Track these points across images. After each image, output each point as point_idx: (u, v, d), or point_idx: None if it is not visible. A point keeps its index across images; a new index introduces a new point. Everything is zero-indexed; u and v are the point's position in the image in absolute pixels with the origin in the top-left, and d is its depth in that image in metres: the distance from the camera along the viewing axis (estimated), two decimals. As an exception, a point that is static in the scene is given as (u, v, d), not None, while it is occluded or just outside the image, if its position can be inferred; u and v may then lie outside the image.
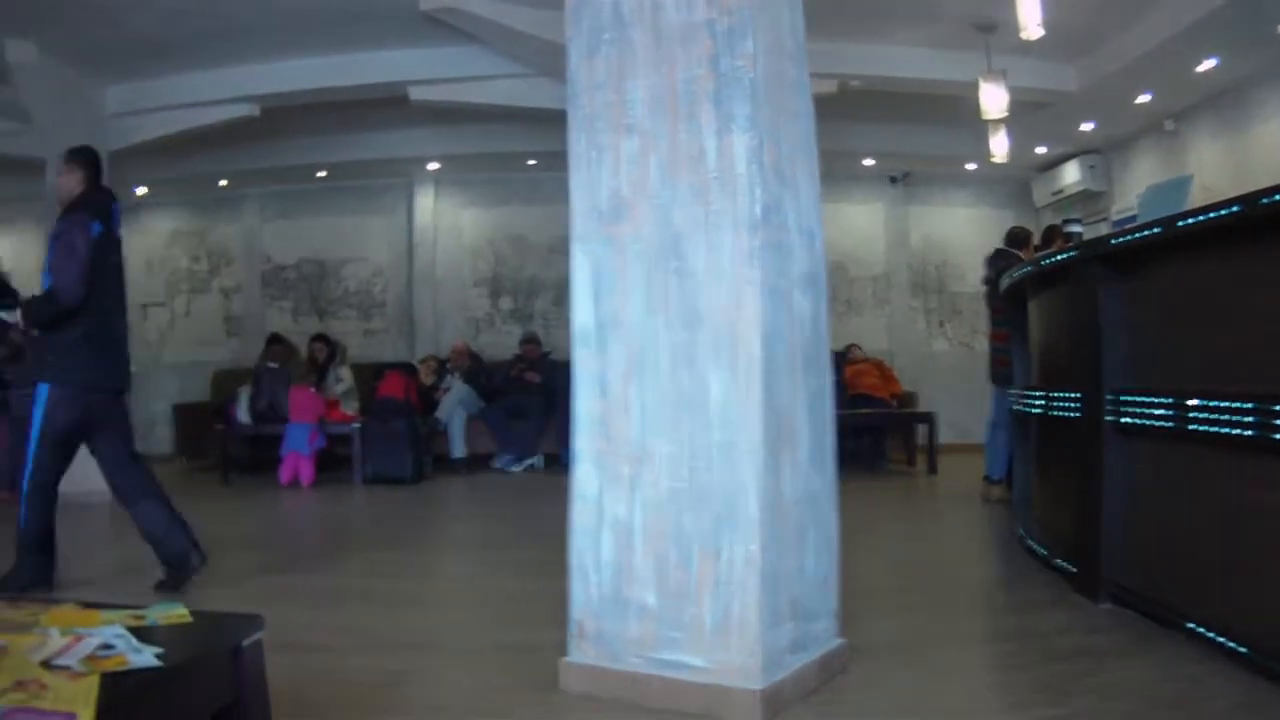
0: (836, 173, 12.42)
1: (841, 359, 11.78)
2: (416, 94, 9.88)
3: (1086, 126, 11.19)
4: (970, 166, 13.28)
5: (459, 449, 11.89)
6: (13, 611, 2.47)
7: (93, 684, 1.96)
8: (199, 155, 12.42)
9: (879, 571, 5.75)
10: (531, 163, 13.10)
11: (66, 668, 2.05)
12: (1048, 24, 7.37)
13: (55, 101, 9.50)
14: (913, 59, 9.46)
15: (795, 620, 3.50)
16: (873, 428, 11.73)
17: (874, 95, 10.09)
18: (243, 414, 11.37)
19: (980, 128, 9.66)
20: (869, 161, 13.28)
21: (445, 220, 14.26)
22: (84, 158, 5.54)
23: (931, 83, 9.69)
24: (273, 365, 11.44)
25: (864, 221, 13.89)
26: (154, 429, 14.08)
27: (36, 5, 8.01)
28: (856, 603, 4.15)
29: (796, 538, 3.54)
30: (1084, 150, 12.16)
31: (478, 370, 12.52)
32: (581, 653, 3.60)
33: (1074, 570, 4.98)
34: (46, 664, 2.06)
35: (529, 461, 11.99)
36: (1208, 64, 8.94)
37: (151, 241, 14.63)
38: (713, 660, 3.34)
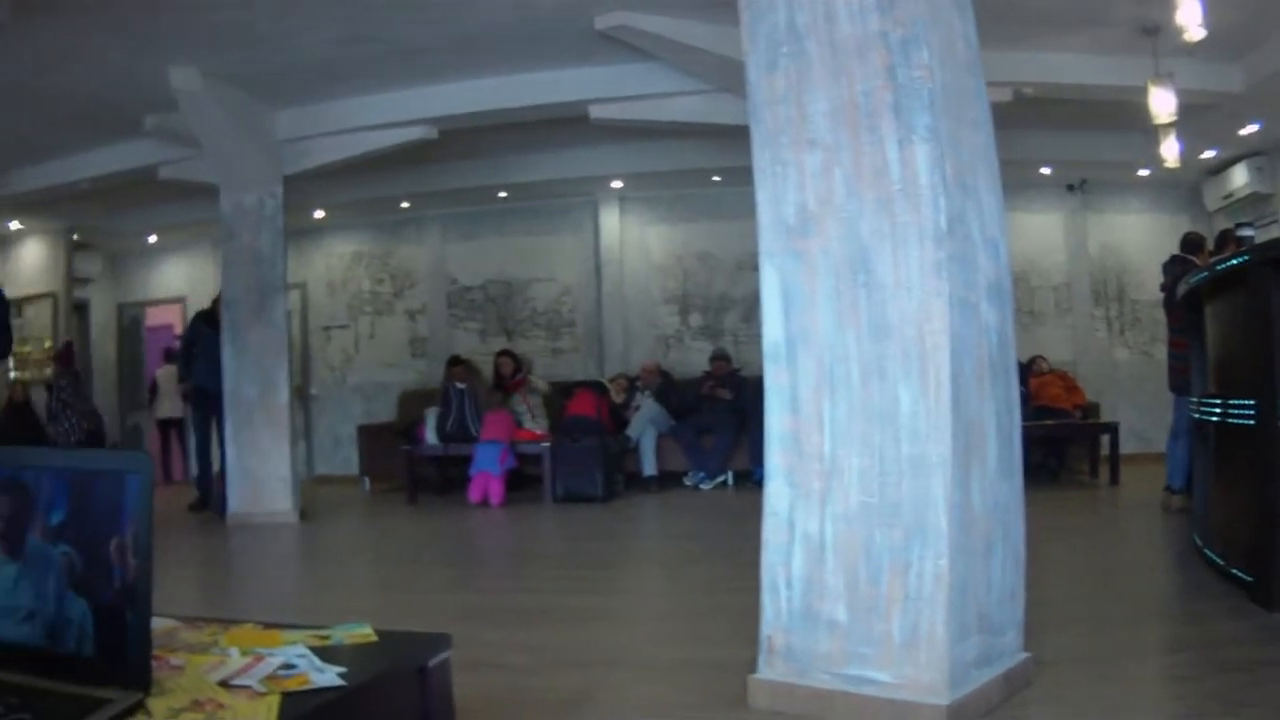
0: (1015, 182, 12.19)
1: (1026, 370, 11.54)
2: (596, 113, 9.75)
3: (1251, 128, 10.69)
4: (1143, 172, 12.81)
5: (650, 466, 11.89)
6: (192, 632, 2.53)
7: (273, 704, 2.00)
8: (378, 177, 12.61)
9: (1060, 583, 5.64)
10: (716, 179, 13.04)
11: (246, 687, 2.08)
12: (1209, 24, 7.13)
13: (224, 127, 9.51)
14: (1081, 64, 9.16)
15: (982, 634, 3.45)
16: (1056, 439, 11.48)
17: (1046, 102, 9.83)
18: (430, 435, 11.55)
19: (1149, 132, 9.34)
20: (1046, 170, 12.96)
21: (631, 237, 14.25)
22: None
23: (1100, 88, 9.38)
24: (460, 386, 11.58)
25: (1043, 230, 13.50)
26: (339, 450, 14.53)
27: (199, 32, 8.03)
28: (1039, 614, 4.07)
29: (984, 550, 3.50)
30: (1251, 152, 11.65)
31: (668, 388, 12.52)
32: (770, 669, 3.59)
33: (1250, 579, 4.81)
34: (225, 683, 2.10)
35: (720, 478, 11.90)
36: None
37: (333, 264, 15.00)
38: (900, 675, 3.31)
